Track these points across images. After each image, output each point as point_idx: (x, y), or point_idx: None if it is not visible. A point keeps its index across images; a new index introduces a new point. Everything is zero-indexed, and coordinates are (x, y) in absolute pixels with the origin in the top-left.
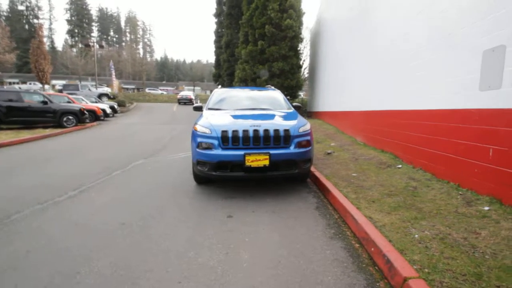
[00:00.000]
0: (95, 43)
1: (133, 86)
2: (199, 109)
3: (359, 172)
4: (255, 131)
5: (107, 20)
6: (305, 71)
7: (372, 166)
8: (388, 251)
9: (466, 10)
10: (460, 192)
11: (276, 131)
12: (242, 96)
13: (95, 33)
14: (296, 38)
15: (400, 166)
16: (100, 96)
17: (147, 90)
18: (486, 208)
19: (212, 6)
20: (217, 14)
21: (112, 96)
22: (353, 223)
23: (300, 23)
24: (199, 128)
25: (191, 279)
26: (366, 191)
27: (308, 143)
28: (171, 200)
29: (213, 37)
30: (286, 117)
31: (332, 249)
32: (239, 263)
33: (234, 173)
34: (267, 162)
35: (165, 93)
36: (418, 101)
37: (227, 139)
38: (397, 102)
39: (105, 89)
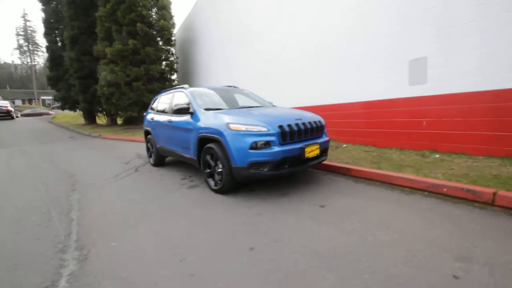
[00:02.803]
0: None
1: None
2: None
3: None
4: (303, 124)
5: None
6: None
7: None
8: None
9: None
10: (407, 152)
11: (315, 122)
12: (226, 95)
13: None
14: (171, 40)
15: (345, 145)
16: None
17: None
18: (437, 155)
19: None
20: (46, 1)
21: None
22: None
23: (173, 26)
24: (246, 127)
25: None
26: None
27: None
28: None
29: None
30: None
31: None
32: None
33: (293, 168)
34: (318, 152)
35: None
36: (359, 94)
37: (286, 134)
38: (338, 97)
39: None
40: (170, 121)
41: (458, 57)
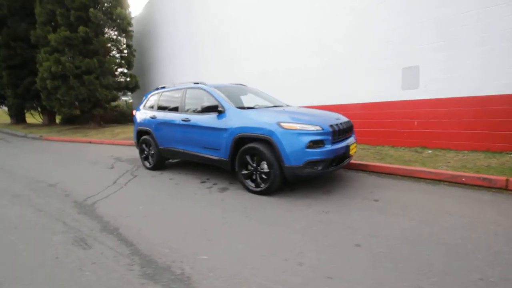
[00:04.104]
0: None
1: None
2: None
3: None
4: (341, 123)
5: None
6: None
7: None
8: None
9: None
10: (401, 149)
11: (349, 122)
12: (243, 94)
13: None
14: (128, 31)
15: None
16: None
17: None
18: (430, 151)
19: None
20: None
21: None
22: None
23: (130, 17)
24: (301, 126)
25: None
26: (360, 159)
27: None
28: None
29: None
30: None
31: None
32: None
33: (338, 166)
34: (356, 149)
35: None
36: (353, 96)
37: (336, 133)
38: (338, 99)
39: None
40: (186, 120)
41: (448, 67)
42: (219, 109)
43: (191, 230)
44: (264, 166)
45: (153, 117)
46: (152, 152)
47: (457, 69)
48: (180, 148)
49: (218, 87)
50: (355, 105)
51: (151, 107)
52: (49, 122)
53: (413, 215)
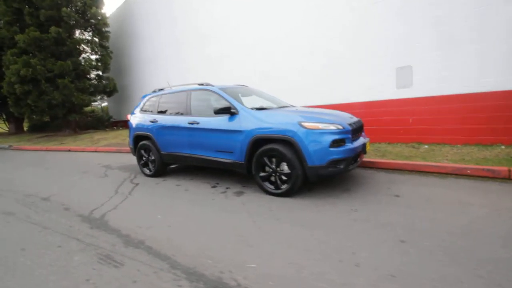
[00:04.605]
0: None
1: None
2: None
3: None
4: (355, 122)
5: None
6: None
7: None
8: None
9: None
10: (398, 145)
11: (361, 121)
12: (248, 94)
13: None
14: (104, 31)
15: None
16: None
17: None
18: (426, 146)
19: None
20: None
21: None
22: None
23: (106, 16)
24: (323, 125)
25: None
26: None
27: None
28: None
29: None
30: None
31: None
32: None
33: (356, 163)
34: (369, 147)
35: None
36: (350, 96)
37: (355, 132)
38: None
39: None
40: (193, 123)
41: (439, 67)
42: (232, 110)
43: (226, 237)
44: (285, 167)
45: (154, 121)
46: (153, 158)
47: (449, 68)
48: (186, 152)
49: (225, 88)
50: (352, 104)
51: (150, 111)
52: (16, 130)
53: (439, 208)
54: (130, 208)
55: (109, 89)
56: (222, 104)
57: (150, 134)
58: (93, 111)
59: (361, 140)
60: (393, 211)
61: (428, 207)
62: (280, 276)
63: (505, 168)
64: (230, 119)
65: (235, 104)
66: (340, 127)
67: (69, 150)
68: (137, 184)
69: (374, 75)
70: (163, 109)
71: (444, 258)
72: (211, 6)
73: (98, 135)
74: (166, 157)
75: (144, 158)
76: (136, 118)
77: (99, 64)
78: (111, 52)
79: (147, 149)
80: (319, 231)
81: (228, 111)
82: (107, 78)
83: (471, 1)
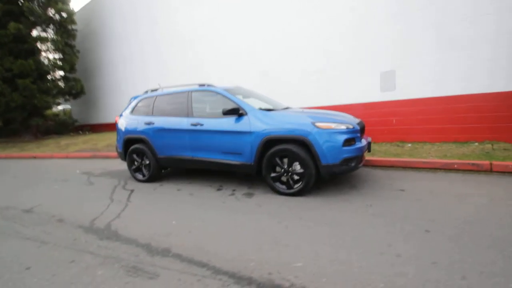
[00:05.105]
0: None
1: None
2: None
3: None
4: (361, 121)
5: None
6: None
7: None
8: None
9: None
10: (383, 144)
11: (362, 122)
12: (248, 95)
13: None
14: (70, 30)
15: None
16: None
17: None
18: (409, 145)
19: None
20: None
21: None
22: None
23: (74, 13)
24: (335, 125)
25: None
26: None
27: None
28: None
29: None
30: None
31: None
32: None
33: (362, 161)
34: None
35: None
36: (340, 98)
37: (362, 131)
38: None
39: None
40: (196, 124)
41: (419, 72)
42: (240, 112)
43: (258, 238)
44: (297, 167)
45: (149, 123)
46: (147, 162)
47: (428, 73)
48: (187, 155)
49: (228, 89)
50: (341, 106)
51: (144, 113)
52: None
53: (444, 199)
54: (136, 216)
55: (75, 91)
56: (229, 105)
57: (145, 137)
58: (57, 115)
59: (366, 140)
60: (405, 204)
61: (434, 199)
62: (331, 273)
63: (487, 162)
64: (237, 120)
65: (243, 105)
66: (351, 126)
67: (34, 157)
68: (132, 191)
69: (361, 80)
70: (160, 111)
71: (471, 244)
72: (193, 10)
73: (64, 141)
74: (163, 160)
75: (136, 163)
76: (126, 121)
77: (65, 64)
78: (78, 51)
79: (140, 153)
80: (345, 227)
81: (236, 112)
82: (74, 79)
83: (465, 10)
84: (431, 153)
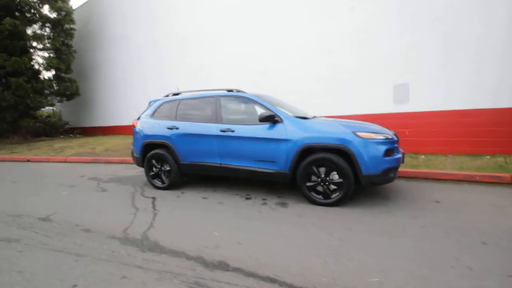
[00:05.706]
0: None
1: None
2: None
3: None
4: (395, 133)
5: None
6: None
7: None
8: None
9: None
10: None
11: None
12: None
13: None
14: (69, 29)
15: None
16: None
17: None
18: (423, 156)
19: None
20: None
21: None
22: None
23: (73, 12)
24: (376, 135)
25: None
26: None
27: None
28: None
29: None
30: None
31: None
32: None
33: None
34: None
35: None
36: (355, 108)
37: (398, 142)
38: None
39: None
40: (226, 131)
41: (433, 85)
42: (276, 119)
43: (316, 251)
44: (335, 176)
45: (173, 128)
46: (168, 168)
47: (440, 86)
48: (215, 162)
49: (259, 96)
50: (353, 116)
51: (167, 117)
52: None
53: (482, 210)
54: (171, 225)
55: (70, 92)
56: (264, 111)
57: (168, 142)
58: (49, 116)
59: (401, 150)
60: (448, 216)
61: (474, 211)
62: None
63: (508, 175)
64: (271, 127)
65: (278, 112)
66: (389, 136)
67: (28, 160)
68: (154, 198)
69: (374, 91)
70: (184, 115)
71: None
72: (194, 13)
73: (57, 143)
74: (186, 167)
75: (154, 169)
76: (145, 124)
77: (61, 64)
78: (75, 51)
79: (160, 159)
80: (401, 239)
81: (271, 119)
82: (69, 80)
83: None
84: (446, 165)
